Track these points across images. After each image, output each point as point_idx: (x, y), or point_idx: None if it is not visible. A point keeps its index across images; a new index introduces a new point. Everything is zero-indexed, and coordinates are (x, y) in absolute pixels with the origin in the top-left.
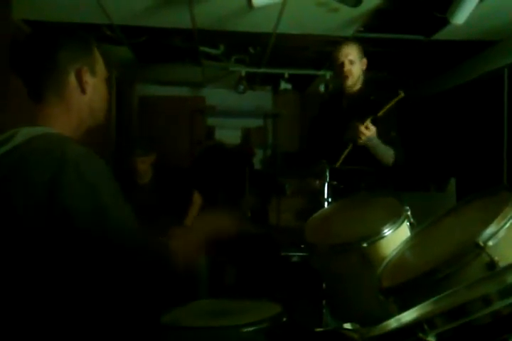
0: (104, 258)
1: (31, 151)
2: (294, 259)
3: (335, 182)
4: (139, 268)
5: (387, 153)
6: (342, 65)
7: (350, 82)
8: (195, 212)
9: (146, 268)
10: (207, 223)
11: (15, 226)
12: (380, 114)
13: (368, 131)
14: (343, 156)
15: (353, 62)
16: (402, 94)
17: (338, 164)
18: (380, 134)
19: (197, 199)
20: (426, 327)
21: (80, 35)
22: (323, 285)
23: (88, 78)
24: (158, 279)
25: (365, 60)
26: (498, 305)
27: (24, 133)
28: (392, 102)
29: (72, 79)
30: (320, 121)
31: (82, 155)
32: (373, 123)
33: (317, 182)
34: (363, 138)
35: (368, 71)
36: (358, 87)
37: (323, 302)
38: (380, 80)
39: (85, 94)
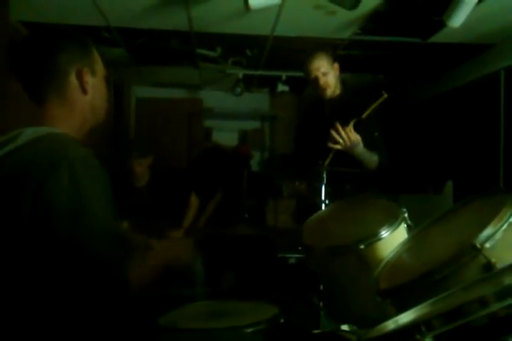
0: (72, 262)
1: (35, 151)
2: (291, 261)
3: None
4: (101, 278)
5: (371, 159)
6: (316, 78)
7: (328, 92)
8: (192, 214)
9: (108, 281)
10: (168, 250)
11: (15, 226)
12: (364, 116)
13: (352, 135)
14: (327, 160)
15: (327, 74)
16: (385, 95)
17: (327, 161)
18: (362, 135)
19: (194, 201)
20: (423, 328)
21: (78, 37)
22: (321, 286)
23: (89, 78)
24: (113, 295)
25: (336, 65)
26: (494, 306)
27: (29, 133)
28: (376, 103)
29: (73, 79)
30: (303, 128)
31: (81, 156)
32: (356, 124)
33: (304, 186)
34: (347, 142)
35: (357, 74)
36: (337, 92)
37: (321, 304)
38: (366, 83)
39: (87, 94)
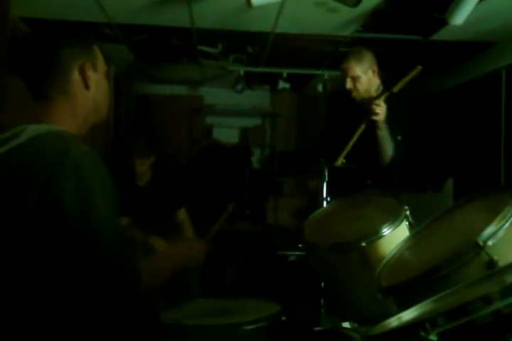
0: (80, 258)
1: (36, 149)
2: (291, 258)
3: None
4: (110, 275)
5: (389, 148)
6: (345, 79)
7: (356, 96)
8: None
9: (116, 278)
10: (178, 251)
11: (20, 224)
12: (396, 89)
13: (380, 107)
14: (344, 152)
15: (357, 78)
16: (419, 68)
17: (339, 161)
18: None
19: (182, 215)
20: (428, 325)
21: (79, 33)
22: (322, 284)
23: (91, 74)
24: (123, 294)
25: (374, 68)
26: (498, 304)
27: (30, 131)
28: (409, 76)
29: (75, 75)
30: (333, 118)
31: (84, 154)
32: (387, 99)
33: (313, 182)
34: (378, 113)
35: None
36: (377, 92)
37: (322, 301)
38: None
39: (89, 89)
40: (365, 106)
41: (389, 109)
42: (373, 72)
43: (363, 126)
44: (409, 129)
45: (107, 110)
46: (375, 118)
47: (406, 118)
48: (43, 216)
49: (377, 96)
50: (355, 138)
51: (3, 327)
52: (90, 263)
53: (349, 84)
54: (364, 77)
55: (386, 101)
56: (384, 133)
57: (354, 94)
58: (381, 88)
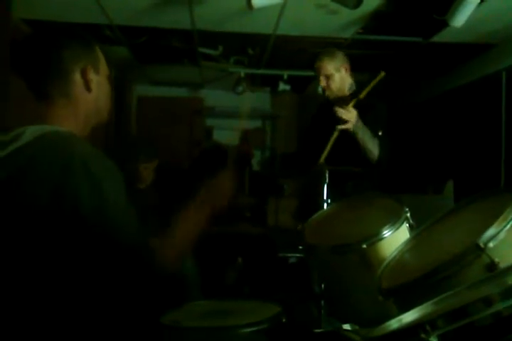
0: (102, 253)
1: (40, 150)
2: (292, 260)
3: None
4: (132, 265)
5: (374, 146)
6: (319, 78)
7: (330, 95)
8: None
9: (139, 266)
10: (195, 215)
11: (24, 224)
12: (362, 95)
13: (349, 113)
14: (326, 151)
15: (330, 76)
16: (382, 74)
17: (322, 159)
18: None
19: None
20: (428, 327)
21: (81, 35)
22: (322, 286)
23: (93, 76)
24: (146, 279)
25: (346, 66)
26: (499, 306)
27: (32, 131)
28: (374, 82)
29: (77, 77)
30: (312, 131)
31: (90, 153)
32: (356, 106)
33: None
34: (347, 120)
35: (359, 73)
36: (346, 93)
37: (322, 303)
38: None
39: (91, 91)
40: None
41: (365, 109)
42: (345, 70)
43: (335, 134)
44: (401, 124)
45: (109, 112)
46: (344, 127)
47: (383, 114)
48: (60, 215)
49: (342, 103)
50: (330, 143)
51: (20, 315)
52: (115, 254)
53: (323, 82)
54: (337, 75)
55: (360, 102)
56: (361, 136)
57: (327, 93)
58: (353, 87)
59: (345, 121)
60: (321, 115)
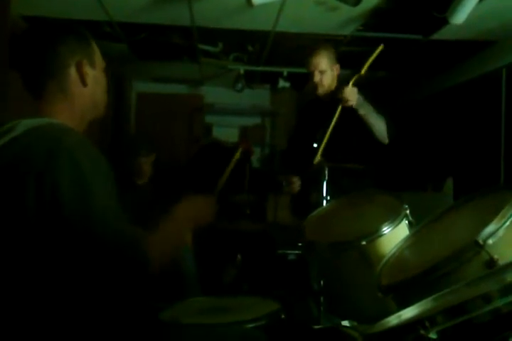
0: (85, 247)
1: (33, 139)
2: (291, 257)
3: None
4: (119, 259)
5: (381, 123)
6: (312, 74)
7: (320, 90)
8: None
9: (126, 260)
10: (186, 211)
11: (19, 216)
12: (363, 71)
13: (351, 91)
14: (321, 149)
15: (323, 72)
16: (381, 46)
17: (318, 156)
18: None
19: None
20: (427, 324)
21: (76, 29)
22: (322, 282)
23: (88, 70)
24: (136, 272)
25: (337, 66)
26: (498, 303)
27: (25, 124)
28: (373, 57)
29: (72, 72)
30: (300, 127)
31: (79, 142)
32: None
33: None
34: (350, 98)
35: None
36: (330, 91)
37: (321, 299)
38: (366, 80)
39: (87, 86)
40: (327, 107)
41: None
42: (336, 69)
43: (335, 116)
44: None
45: (105, 106)
46: (348, 104)
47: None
48: (41, 203)
49: (343, 82)
50: (329, 131)
51: (8, 315)
52: (93, 244)
53: (317, 77)
54: (329, 72)
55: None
56: (366, 111)
57: (319, 89)
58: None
59: (346, 100)
60: (309, 111)
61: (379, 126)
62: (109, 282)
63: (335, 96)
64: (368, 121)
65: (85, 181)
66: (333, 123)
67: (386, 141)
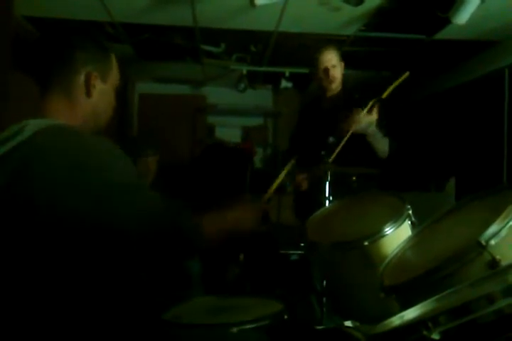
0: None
1: (42, 143)
2: (294, 257)
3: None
4: (153, 240)
5: (384, 144)
6: (327, 70)
7: (334, 85)
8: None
9: (161, 238)
10: (232, 215)
11: (34, 216)
12: (385, 95)
13: (370, 115)
14: (336, 152)
15: (336, 67)
16: (406, 74)
17: (330, 159)
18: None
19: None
20: (430, 324)
21: (100, 41)
22: (324, 282)
23: (97, 83)
24: (176, 246)
25: (343, 64)
26: (501, 303)
27: (34, 125)
28: (398, 81)
29: (80, 80)
30: (302, 126)
31: (96, 139)
32: (373, 106)
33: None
34: (364, 123)
35: (361, 70)
36: (338, 89)
37: (324, 300)
38: (369, 80)
39: (91, 97)
40: (334, 103)
41: (361, 103)
42: (343, 67)
43: (349, 133)
44: (404, 121)
45: (107, 122)
46: (351, 128)
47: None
48: (53, 204)
49: (351, 105)
50: (341, 144)
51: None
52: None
53: (332, 71)
54: (339, 67)
55: (359, 95)
56: (374, 138)
57: (333, 84)
58: (340, 86)
59: (352, 123)
60: (304, 121)
61: (382, 147)
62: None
63: (339, 100)
64: (373, 146)
65: (111, 178)
66: (348, 134)
67: (385, 156)
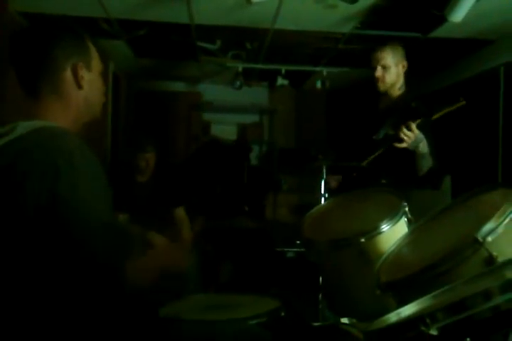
0: (72, 248)
1: (32, 143)
2: (289, 255)
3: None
4: (97, 269)
5: (428, 161)
6: (374, 69)
7: (381, 87)
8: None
9: (104, 273)
10: (167, 253)
11: (17, 216)
12: (435, 117)
13: (410, 133)
14: (372, 156)
15: (387, 68)
16: (463, 102)
17: (365, 162)
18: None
19: (182, 215)
20: (428, 320)
21: (75, 31)
22: (320, 279)
23: (84, 73)
24: (109, 289)
25: (404, 63)
26: (497, 299)
27: (24, 126)
28: (452, 108)
29: (68, 75)
30: (357, 120)
31: (77, 147)
32: (422, 124)
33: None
34: (406, 140)
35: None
36: (400, 91)
37: (320, 297)
38: (365, 78)
39: (82, 89)
40: (389, 105)
41: (415, 113)
42: (403, 67)
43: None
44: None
45: (101, 108)
46: (398, 145)
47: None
48: (39, 204)
49: (402, 120)
50: (384, 147)
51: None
52: (77, 252)
53: (379, 72)
54: (394, 69)
55: (416, 104)
56: (419, 148)
57: (380, 85)
58: (403, 88)
59: (399, 141)
60: (369, 105)
61: (424, 166)
62: (86, 288)
63: (394, 104)
64: (417, 161)
65: (81, 185)
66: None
67: (423, 173)
